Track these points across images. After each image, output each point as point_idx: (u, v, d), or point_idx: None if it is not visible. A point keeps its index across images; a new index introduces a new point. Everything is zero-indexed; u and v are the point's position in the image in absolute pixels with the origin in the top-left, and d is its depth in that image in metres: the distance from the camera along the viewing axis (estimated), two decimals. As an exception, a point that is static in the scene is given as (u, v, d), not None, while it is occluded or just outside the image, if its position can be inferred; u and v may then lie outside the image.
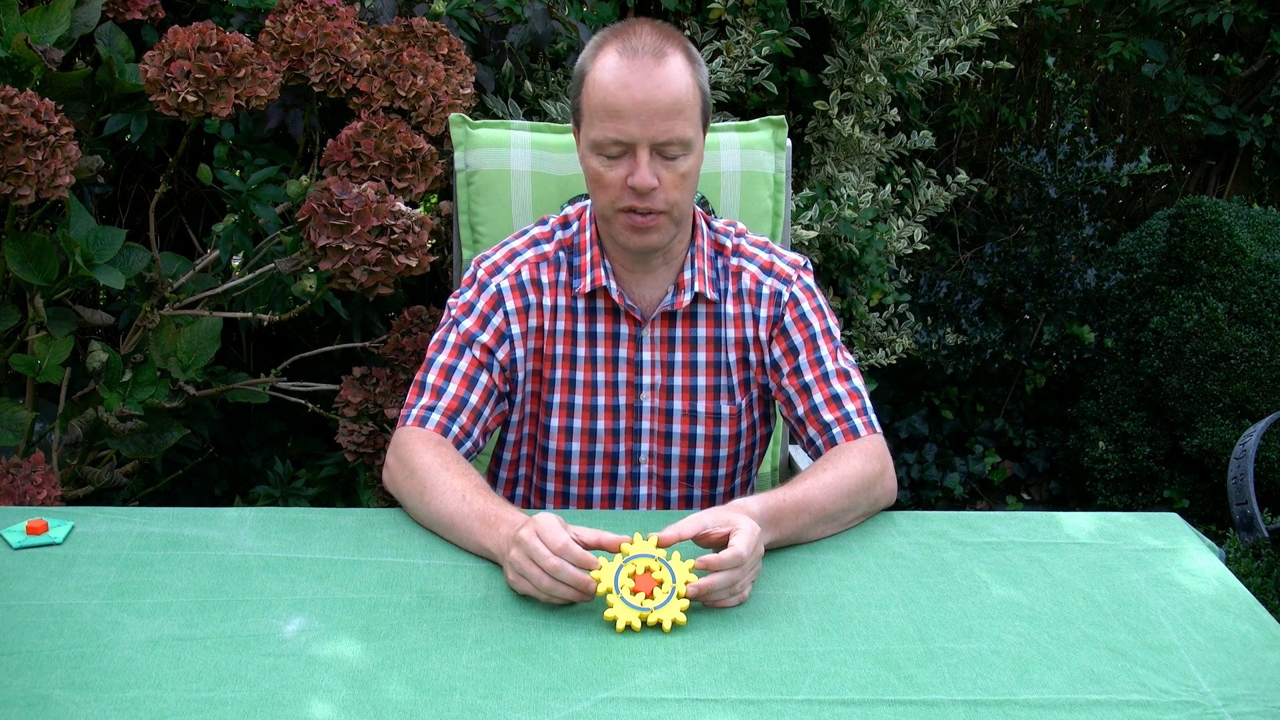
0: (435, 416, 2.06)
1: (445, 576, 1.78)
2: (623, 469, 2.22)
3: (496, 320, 2.13)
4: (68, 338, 2.59)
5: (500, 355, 2.13)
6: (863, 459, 2.02)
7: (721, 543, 1.76)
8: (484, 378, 2.11)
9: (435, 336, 2.15)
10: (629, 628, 1.65)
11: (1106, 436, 4.18)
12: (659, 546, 1.74)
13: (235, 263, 2.88)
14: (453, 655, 1.59)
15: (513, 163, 2.55)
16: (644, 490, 2.24)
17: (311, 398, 3.09)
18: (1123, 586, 1.82)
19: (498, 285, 2.14)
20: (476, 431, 2.10)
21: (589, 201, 2.17)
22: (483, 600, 1.71)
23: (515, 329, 2.14)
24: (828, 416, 2.10)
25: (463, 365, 2.10)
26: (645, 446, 2.21)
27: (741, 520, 1.76)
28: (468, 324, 2.12)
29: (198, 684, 1.50)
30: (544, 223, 2.21)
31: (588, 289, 2.13)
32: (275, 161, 2.89)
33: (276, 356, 3.61)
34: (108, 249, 2.55)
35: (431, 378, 2.10)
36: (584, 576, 1.68)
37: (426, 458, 1.96)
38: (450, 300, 2.17)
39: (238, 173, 2.88)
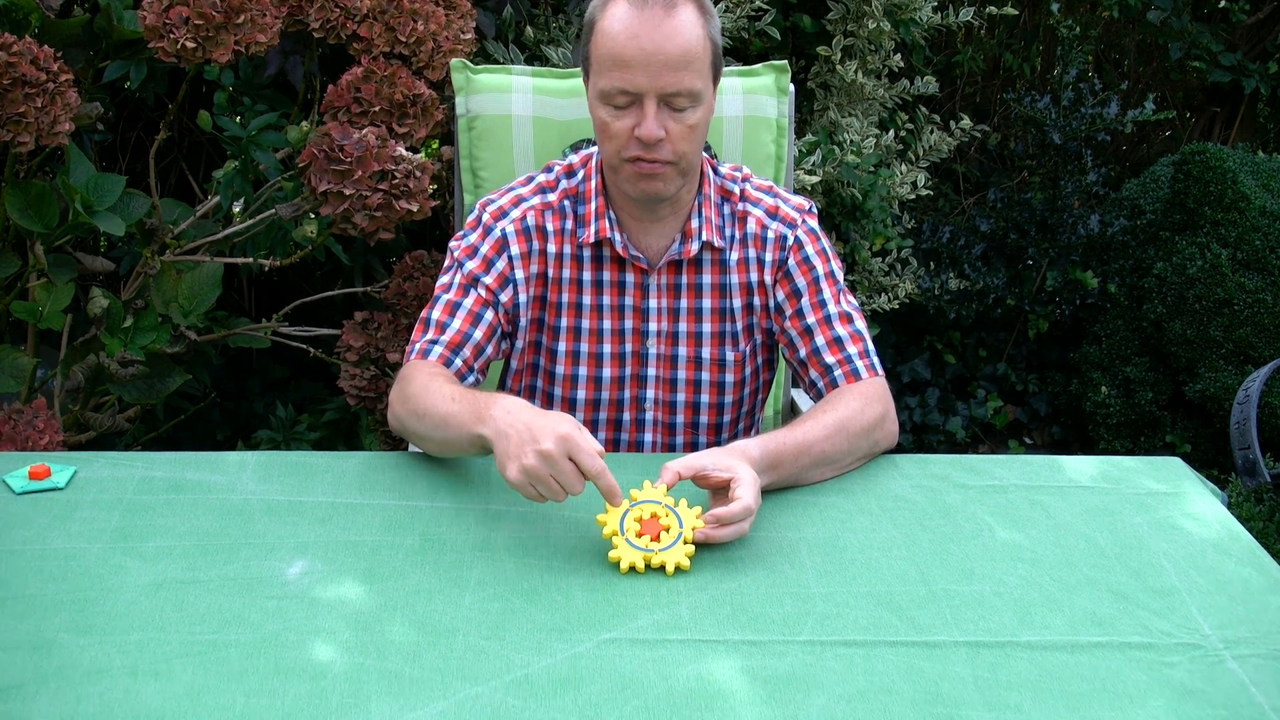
0: (438, 349, 2.04)
1: (448, 520, 1.77)
2: (627, 415, 2.21)
3: (500, 265, 2.11)
4: (68, 284, 2.59)
5: (504, 298, 2.11)
6: (863, 401, 2.02)
7: (720, 486, 1.76)
8: (489, 315, 2.09)
9: (441, 280, 2.13)
10: (633, 569, 1.65)
11: (1109, 381, 4.17)
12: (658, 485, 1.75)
13: (236, 209, 2.87)
14: (455, 597, 1.59)
15: (514, 108, 2.53)
16: (648, 437, 2.23)
17: (313, 343, 3.09)
18: (1125, 530, 1.81)
19: (503, 230, 2.12)
20: (478, 366, 2.09)
21: (594, 149, 2.15)
22: (485, 543, 1.71)
23: (519, 274, 2.12)
24: (829, 359, 2.09)
25: (468, 302, 2.08)
26: (650, 393, 2.20)
27: (741, 469, 1.76)
28: (472, 266, 2.10)
29: (201, 626, 1.50)
30: (549, 170, 2.18)
31: (592, 239, 2.11)
32: (275, 107, 2.88)
33: (278, 302, 3.60)
34: (108, 196, 2.54)
35: (436, 313, 2.08)
36: (616, 486, 1.69)
37: (421, 380, 1.94)
38: (452, 244, 2.15)
39: (238, 119, 2.87)
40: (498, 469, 1.70)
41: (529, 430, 1.68)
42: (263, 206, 2.76)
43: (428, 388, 1.91)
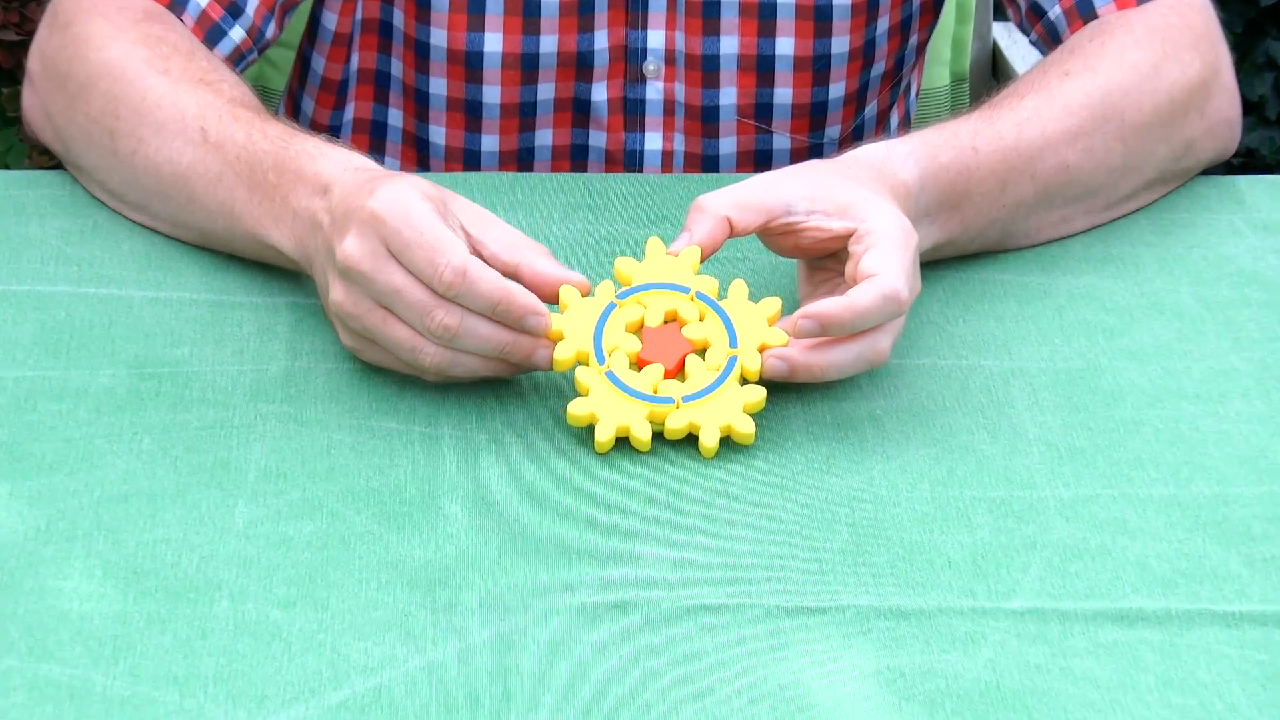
0: None
1: (220, 336, 1.66)
2: (602, 94, 2.07)
3: None
4: None
5: None
6: (1159, 49, 1.83)
7: (825, 250, 1.55)
8: None
9: None
10: (625, 442, 1.47)
11: None
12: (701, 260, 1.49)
13: None
14: (222, 519, 1.47)
15: None
16: (654, 141, 2.10)
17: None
18: None
19: None
20: (250, 7, 1.93)
21: None
22: (313, 397, 1.58)
23: None
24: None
25: None
26: (658, 41, 2.06)
27: (873, 210, 1.50)
28: None
29: None
30: None
31: None
32: None
33: None
34: None
35: None
36: (524, 302, 1.45)
37: (115, 51, 1.78)
38: None
39: None
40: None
41: (344, 222, 1.48)
42: None
43: (138, 76, 1.75)
